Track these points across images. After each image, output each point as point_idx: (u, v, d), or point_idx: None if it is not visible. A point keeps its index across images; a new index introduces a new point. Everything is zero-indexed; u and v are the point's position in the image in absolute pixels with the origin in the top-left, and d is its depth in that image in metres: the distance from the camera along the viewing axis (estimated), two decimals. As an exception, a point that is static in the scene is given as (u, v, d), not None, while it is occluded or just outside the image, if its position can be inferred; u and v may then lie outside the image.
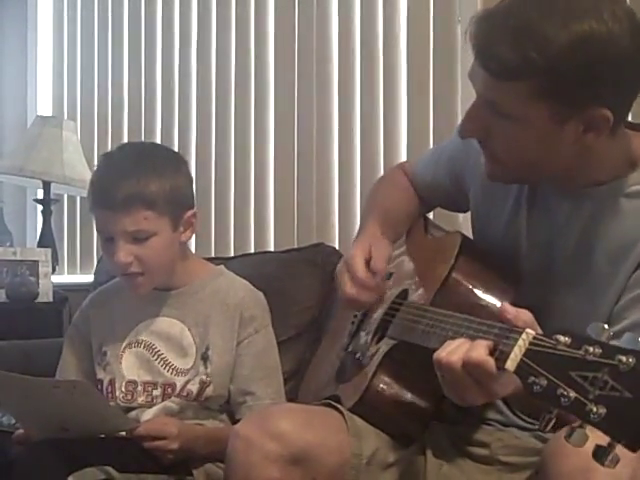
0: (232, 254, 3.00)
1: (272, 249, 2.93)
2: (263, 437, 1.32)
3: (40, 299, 3.10)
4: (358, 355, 1.57)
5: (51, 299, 3.14)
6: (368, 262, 1.55)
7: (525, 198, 1.46)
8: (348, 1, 2.82)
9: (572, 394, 0.94)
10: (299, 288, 2.34)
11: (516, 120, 1.28)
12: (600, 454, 0.92)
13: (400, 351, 1.44)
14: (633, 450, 0.90)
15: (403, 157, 2.67)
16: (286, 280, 2.34)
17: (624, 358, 0.91)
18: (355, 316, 1.69)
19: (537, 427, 1.29)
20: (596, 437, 0.93)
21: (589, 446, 0.99)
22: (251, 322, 1.76)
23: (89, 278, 3.04)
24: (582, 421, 0.93)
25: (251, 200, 3.05)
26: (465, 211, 1.65)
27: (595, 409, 0.91)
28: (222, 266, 1.87)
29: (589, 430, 0.93)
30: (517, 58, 1.21)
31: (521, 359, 1.02)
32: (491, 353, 1.10)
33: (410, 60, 2.67)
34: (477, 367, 1.11)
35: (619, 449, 0.91)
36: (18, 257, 3.13)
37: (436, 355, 1.17)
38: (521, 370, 1.02)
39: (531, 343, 1.03)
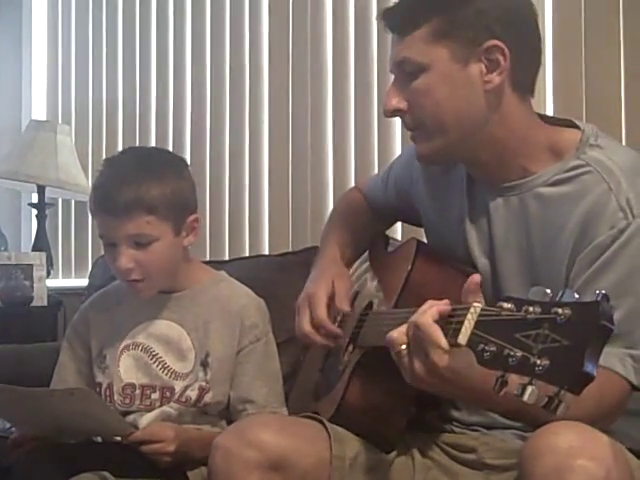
0: (227, 257, 3.01)
1: (267, 252, 2.93)
2: (242, 446, 1.35)
3: (35, 303, 3.11)
4: (333, 370, 1.61)
5: (46, 303, 3.15)
6: (330, 297, 1.60)
7: (466, 202, 1.51)
8: (342, 2, 2.83)
9: (518, 353, 0.98)
10: (294, 292, 2.22)
11: (424, 70, 1.38)
12: (551, 405, 0.96)
13: (370, 358, 1.48)
14: (576, 393, 0.95)
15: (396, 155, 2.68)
16: (281, 284, 2.34)
17: (560, 310, 0.96)
18: None
19: (518, 424, 1.37)
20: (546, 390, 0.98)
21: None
22: (252, 330, 1.76)
23: (84, 282, 3.04)
24: (529, 376, 0.97)
25: (245, 203, 3.05)
26: (419, 224, 1.70)
27: (539, 362, 0.96)
28: (223, 272, 1.86)
29: (538, 387, 0.97)
30: (414, 6, 1.40)
31: (472, 332, 1.07)
32: (445, 333, 1.14)
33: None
34: (422, 331, 1.15)
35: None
36: (13, 261, 3.14)
37: (387, 335, 1.22)
38: (472, 342, 1.07)
39: (479, 315, 1.07)
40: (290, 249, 2.76)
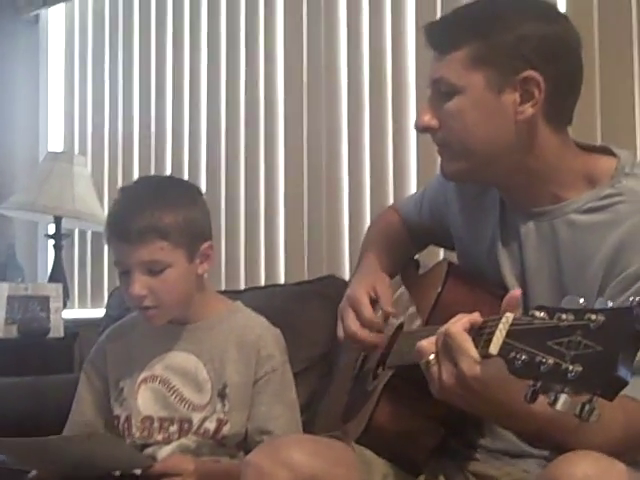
0: (242, 287, 3.01)
1: (282, 282, 2.93)
2: (274, 465, 1.33)
3: (51, 335, 3.11)
4: (362, 391, 1.60)
5: (62, 334, 3.15)
6: (372, 301, 1.58)
7: (499, 225, 1.51)
8: (356, 17, 2.84)
9: (550, 360, 0.98)
10: (309, 321, 2.34)
11: (459, 93, 1.38)
12: (583, 412, 0.96)
13: (399, 378, 1.47)
14: (609, 398, 0.95)
15: (413, 188, 2.69)
16: (297, 313, 2.34)
17: (593, 316, 0.96)
18: (360, 354, 1.72)
19: (545, 452, 1.36)
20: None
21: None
22: (268, 360, 1.76)
23: (100, 313, 3.03)
24: (561, 383, 0.97)
25: (261, 232, 3.05)
26: (452, 248, 1.70)
27: (571, 368, 0.96)
28: (239, 302, 1.86)
29: (570, 396, 0.97)
30: (456, 26, 1.40)
31: (503, 341, 1.08)
32: (476, 344, 1.15)
33: (419, 83, 2.67)
34: (451, 339, 1.16)
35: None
36: (29, 293, 3.14)
37: (417, 344, 1.22)
38: (503, 351, 1.07)
39: (511, 324, 1.08)
40: (306, 278, 2.76)
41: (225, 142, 3.19)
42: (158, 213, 1.65)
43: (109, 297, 2.93)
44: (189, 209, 1.70)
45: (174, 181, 1.84)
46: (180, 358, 1.76)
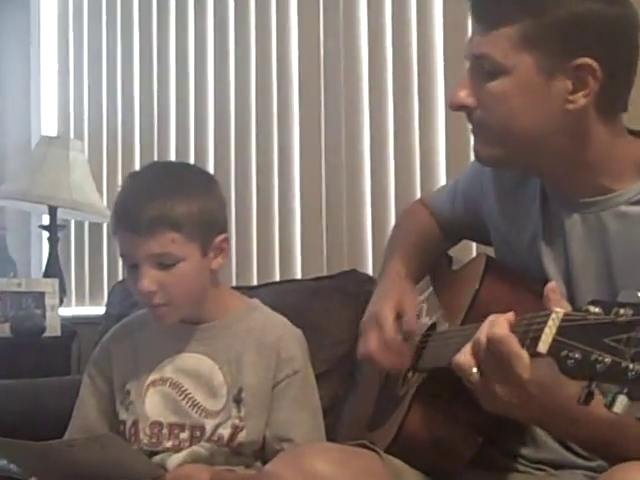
0: (255, 283, 3.01)
1: (299, 277, 2.94)
2: (296, 476, 1.32)
3: (47, 334, 3.11)
4: (391, 396, 1.60)
5: (59, 333, 3.15)
6: (398, 316, 1.58)
7: (540, 218, 1.51)
8: (378, 9, 2.85)
9: (607, 359, 0.98)
10: (330, 319, 2.35)
11: (505, 74, 1.35)
12: None
13: (432, 382, 1.47)
14: None
15: (442, 176, 2.69)
16: (316, 311, 2.35)
17: None
18: None
19: (592, 463, 1.36)
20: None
21: None
22: (289, 363, 1.76)
23: (99, 310, 3.05)
24: (620, 383, 0.96)
25: (275, 223, 3.06)
26: (489, 243, 1.69)
27: (632, 366, 0.95)
28: (257, 300, 1.86)
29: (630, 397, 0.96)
30: (508, 0, 1.35)
31: (553, 339, 1.07)
32: (521, 344, 1.14)
33: (447, 71, 2.69)
34: (500, 344, 1.14)
35: None
36: (23, 288, 3.14)
37: (453, 360, 1.20)
38: (553, 350, 1.06)
39: (562, 320, 1.07)
40: (325, 273, 2.76)
41: (234, 126, 3.19)
42: (170, 202, 1.65)
43: (109, 293, 2.94)
44: (204, 198, 1.70)
45: (188, 167, 1.86)
46: (193, 360, 1.77)
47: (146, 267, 1.67)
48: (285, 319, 1.83)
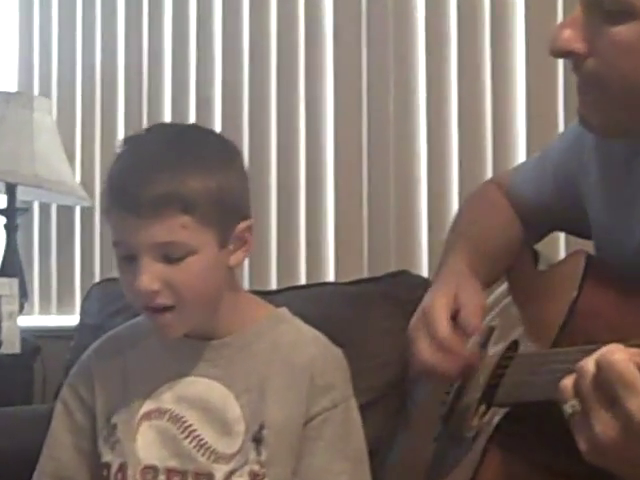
0: (274, 286, 3.03)
1: (332, 279, 2.98)
2: None
3: (2, 350, 3.09)
4: (457, 438, 1.61)
5: (18, 350, 3.13)
6: (454, 315, 1.59)
7: None
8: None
9: None
10: (373, 335, 2.38)
11: (634, 18, 1.33)
12: None
13: (515, 420, 1.47)
14: None
15: (521, 151, 2.72)
16: (355, 324, 2.37)
17: None
18: (450, 385, 1.72)
19: None
20: None
21: None
22: (327, 392, 1.73)
23: (71, 320, 3.07)
24: None
25: (300, 212, 3.10)
26: (587, 236, 1.69)
27: None
28: (285, 309, 1.84)
29: None
30: None
31: None
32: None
33: (529, 22, 2.73)
34: (612, 370, 1.14)
35: None
36: (-29, 290, 3.16)
37: (560, 383, 1.20)
38: None
39: None
40: (366, 274, 2.78)
41: (249, 88, 3.22)
42: (182, 176, 1.63)
43: (84, 299, 2.95)
44: (224, 173, 1.68)
45: (204, 132, 1.81)
46: (201, 387, 1.74)
47: (147, 259, 1.64)
48: (320, 334, 1.81)
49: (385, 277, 2.49)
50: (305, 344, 1.78)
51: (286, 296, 2.50)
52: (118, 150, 1.72)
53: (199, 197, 1.63)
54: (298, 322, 1.84)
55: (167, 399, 1.75)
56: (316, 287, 2.70)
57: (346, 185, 3.02)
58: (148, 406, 1.76)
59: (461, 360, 1.58)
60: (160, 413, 1.75)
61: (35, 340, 3.26)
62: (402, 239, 2.89)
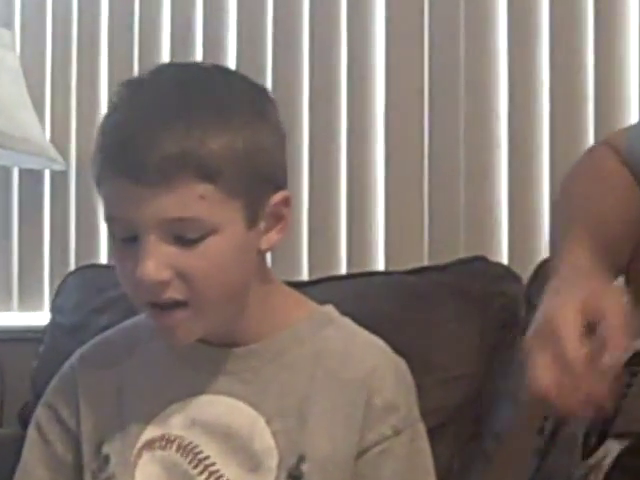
0: (306, 277, 3.07)
1: (382, 268, 3.00)
2: None
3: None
4: (560, 473, 1.62)
5: (-29, 357, 3.17)
6: (588, 325, 1.57)
7: None
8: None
9: None
10: (441, 340, 2.40)
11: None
12: None
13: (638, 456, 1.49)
14: None
15: (633, 110, 2.79)
16: (415, 326, 2.39)
17: None
18: None
19: None
20: None
21: None
22: (387, 415, 1.74)
23: (39, 319, 3.12)
24: None
25: (341, 184, 3.15)
26: None
27: None
28: (330, 306, 1.85)
29: None
30: None
31: None
32: None
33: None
34: None
35: None
36: None
37: None
38: None
39: None
40: (426, 262, 2.83)
41: (273, 29, 3.27)
42: (199, 132, 1.61)
43: (57, 292, 2.97)
44: (255, 129, 1.67)
45: (226, 74, 1.80)
46: (221, 408, 1.75)
47: (154, 241, 1.63)
48: (378, 340, 1.82)
49: (454, 265, 2.52)
50: (359, 353, 1.80)
51: (321, 289, 2.52)
52: (115, 98, 1.72)
53: (222, 159, 1.63)
54: (349, 324, 1.85)
55: (176, 423, 1.77)
56: (362, 277, 2.71)
57: (401, 147, 3.06)
58: (151, 432, 1.78)
59: (592, 392, 1.54)
60: (166, 441, 1.77)
61: (-8, 345, 3.29)
62: (474, 217, 2.92)
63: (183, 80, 1.72)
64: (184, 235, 1.64)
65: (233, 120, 1.66)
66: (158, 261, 1.64)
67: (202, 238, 1.64)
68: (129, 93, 1.72)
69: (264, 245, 1.73)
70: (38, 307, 3.40)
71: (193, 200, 1.62)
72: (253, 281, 1.75)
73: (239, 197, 1.66)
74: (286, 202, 1.73)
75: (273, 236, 1.73)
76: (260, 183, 1.69)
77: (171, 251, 1.64)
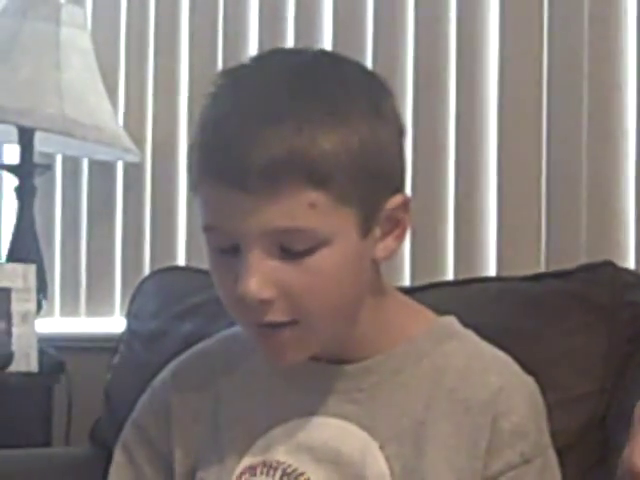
0: (407, 282, 3.10)
1: (494, 273, 3.05)
2: None
3: (14, 367, 3.15)
4: None
5: (35, 367, 3.18)
6: None
7: None
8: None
9: None
10: (563, 354, 2.36)
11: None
12: None
13: None
14: None
15: None
16: (536, 339, 2.36)
17: None
18: None
19: None
20: None
21: None
22: (516, 441, 1.74)
23: (111, 325, 3.17)
24: None
25: (449, 180, 3.14)
26: None
27: None
28: (452, 318, 1.85)
29: None
30: None
31: None
32: None
33: None
34: None
35: None
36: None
37: None
38: None
39: None
40: (543, 268, 2.84)
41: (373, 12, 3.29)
42: (310, 130, 1.60)
43: (133, 296, 2.94)
44: (371, 125, 1.66)
45: (339, 62, 1.79)
46: (331, 431, 1.76)
47: (258, 253, 1.63)
48: (506, 357, 1.82)
49: (579, 271, 2.46)
50: (483, 371, 1.79)
51: (427, 296, 2.45)
52: (213, 89, 1.71)
53: (335, 161, 1.62)
54: (473, 338, 1.86)
55: (280, 448, 1.77)
56: (473, 284, 2.67)
57: (515, 140, 3.07)
58: (251, 458, 1.78)
59: None
60: (269, 468, 1.77)
61: (58, 353, 3.30)
62: (598, 219, 2.91)
63: (291, 71, 1.71)
64: (291, 247, 1.64)
65: (349, 115, 1.64)
66: (262, 278, 1.64)
67: (311, 251, 1.64)
68: (231, 83, 1.71)
69: (380, 253, 1.72)
70: (108, 313, 3.43)
71: (302, 209, 1.62)
72: (365, 294, 1.74)
73: (353, 203, 1.65)
74: (405, 206, 1.71)
75: (390, 243, 1.72)
76: (376, 186, 1.68)
77: (276, 266, 1.64)
